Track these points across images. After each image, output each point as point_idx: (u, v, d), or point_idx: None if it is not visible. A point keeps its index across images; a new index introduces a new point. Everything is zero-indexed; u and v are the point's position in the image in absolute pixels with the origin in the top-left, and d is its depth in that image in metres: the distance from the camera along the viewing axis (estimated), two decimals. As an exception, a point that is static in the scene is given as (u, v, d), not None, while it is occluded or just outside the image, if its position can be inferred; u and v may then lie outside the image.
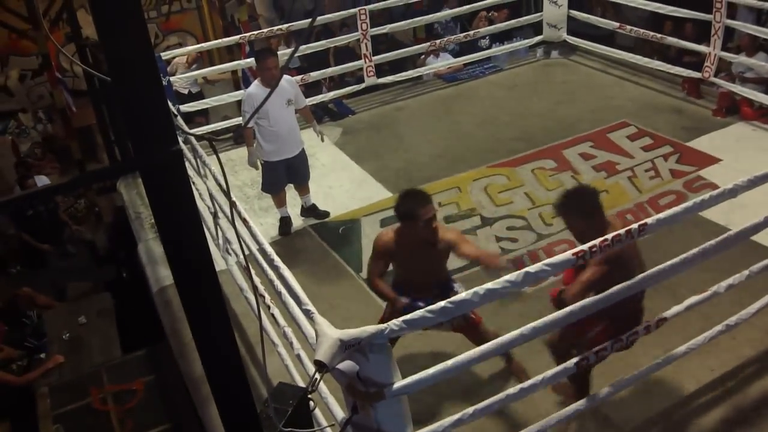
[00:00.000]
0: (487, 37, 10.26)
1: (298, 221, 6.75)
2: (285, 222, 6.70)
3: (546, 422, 3.78)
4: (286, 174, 6.49)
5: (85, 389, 5.92)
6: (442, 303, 3.12)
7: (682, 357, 4.19)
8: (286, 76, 6.38)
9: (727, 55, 8.03)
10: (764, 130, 7.60)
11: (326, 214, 6.84)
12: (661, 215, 3.66)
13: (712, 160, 7.05)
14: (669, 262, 3.75)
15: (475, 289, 3.16)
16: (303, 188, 6.77)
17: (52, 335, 6.93)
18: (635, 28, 9.06)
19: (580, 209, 3.89)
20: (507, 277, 3.23)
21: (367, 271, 4.58)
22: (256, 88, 6.18)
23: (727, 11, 7.80)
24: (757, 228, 4.12)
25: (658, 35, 8.78)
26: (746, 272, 4.29)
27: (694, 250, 3.81)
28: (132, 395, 5.82)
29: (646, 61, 8.99)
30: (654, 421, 4.29)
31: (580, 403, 3.90)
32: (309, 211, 6.85)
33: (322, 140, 6.80)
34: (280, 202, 6.66)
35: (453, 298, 3.17)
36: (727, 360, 4.62)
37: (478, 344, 3.53)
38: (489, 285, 3.18)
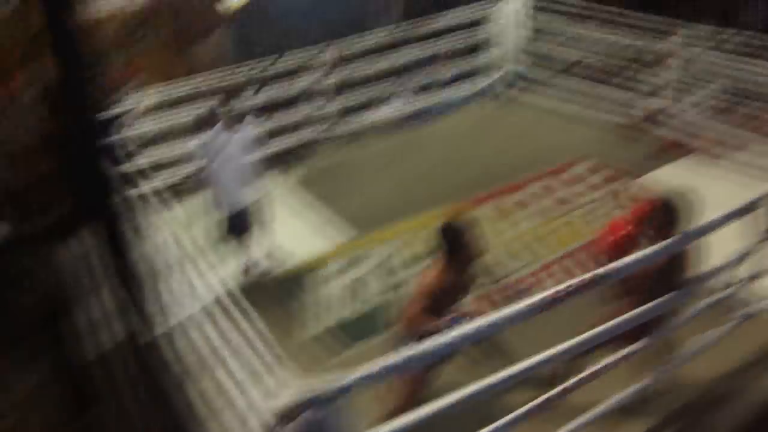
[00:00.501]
0: (446, 77, 10.33)
1: (258, 268, 6.66)
2: (245, 269, 6.62)
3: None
4: (246, 220, 6.43)
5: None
6: (406, 353, 3.08)
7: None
8: (246, 121, 6.35)
9: (684, 87, 8.18)
10: (719, 161, 7.72)
11: (287, 260, 6.77)
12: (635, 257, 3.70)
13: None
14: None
15: (442, 337, 3.13)
16: (263, 234, 6.69)
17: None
18: (593, 61, 9.17)
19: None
20: (479, 320, 3.22)
21: (407, 311, 4.37)
22: (214, 133, 6.13)
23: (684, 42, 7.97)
24: (723, 268, 4.19)
25: (617, 67, 8.91)
26: (709, 301, 4.31)
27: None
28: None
29: (605, 93, 9.07)
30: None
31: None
32: (269, 256, 6.77)
33: (283, 184, 6.74)
34: (241, 249, 6.58)
35: (418, 348, 3.13)
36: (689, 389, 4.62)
37: None
38: (454, 333, 3.15)
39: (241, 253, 6.58)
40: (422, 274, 4.46)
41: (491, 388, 3.40)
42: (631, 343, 4.10)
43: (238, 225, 6.41)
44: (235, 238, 6.49)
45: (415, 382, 4.37)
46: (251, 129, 6.39)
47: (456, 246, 4.26)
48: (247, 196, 6.31)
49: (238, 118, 6.20)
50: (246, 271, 6.60)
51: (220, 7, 11.54)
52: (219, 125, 6.17)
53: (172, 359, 2.29)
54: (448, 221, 4.33)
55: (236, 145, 6.12)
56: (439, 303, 4.28)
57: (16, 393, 6.77)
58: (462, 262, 4.31)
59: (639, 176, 7.49)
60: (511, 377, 3.45)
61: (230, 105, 6.09)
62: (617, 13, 9.12)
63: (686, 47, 8.05)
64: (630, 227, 4.31)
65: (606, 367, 3.98)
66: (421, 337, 3.98)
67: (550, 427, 4.02)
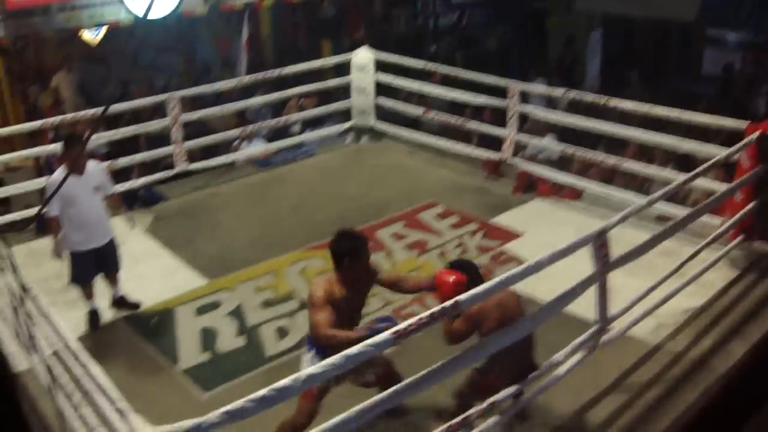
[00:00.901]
0: (298, 124, 10.46)
1: (108, 314, 6.40)
2: (93, 315, 6.32)
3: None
4: (95, 264, 6.20)
5: None
6: (263, 391, 3.06)
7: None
8: (93, 162, 6.16)
9: (523, 137, 8.67)
10: (559, 204, 8.21)
11: (137, 305, 6.54)
12: (474, 291, 3.82)
13: (514, 235, 7.48)
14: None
15: (295, 375, 3.13)
16: (113, 278, 6.46)
17: None
18: (438, 114, 9.61)
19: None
20: (327, 360, 3.24)
21: (313, 326, 4.37)
22: (60, 174, 5.87)
23: (521, 98, 8.46)
24: (564, 301, 4.40)
25: (460, 120, 9.39)
26: (568, 349, 4.54)
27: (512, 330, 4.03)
28: None
29: (450, 144, 9.50)
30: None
31: None
32: (119, 302, 6.51)
33: (132, 227, 6.59)
34: (89, 295, 6.30)
35: (275, 385, 3.12)
36: (544, 423, 4.83)
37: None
38: (310, 370, 3.17)
39: (91, 296, 6.32)
40: (312, 285, 4.50)
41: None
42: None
43: (90, 267, 6.18)
44: (86, 281, 6.24)
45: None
46: (99, 169, 6.21)
47: (354, 256, 4.41)
48: (99, 237, 6.12)
49: (85, 160, 6.00)
50: (95, 315, 6.32)
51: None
52: (63, 167, 5.96)
53: (24, 407, 2.17)
54: (338, 235, 4.48)
55: (87, 186, 5.94)
56: (343, 312, 4.39)
57: None
58: (351, 271, 4.43)
59: (485, 221, 7.81)
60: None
61: (77, 146, 5.88)
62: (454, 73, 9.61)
63: (522, 104, 8.55)
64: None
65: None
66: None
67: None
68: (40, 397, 5.05)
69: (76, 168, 5.86)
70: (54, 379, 4.64)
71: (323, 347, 4.34)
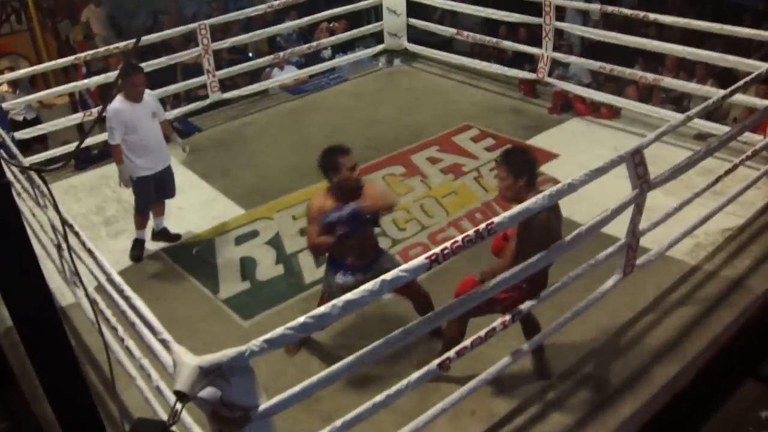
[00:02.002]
0: (329, 48, 10.35)
1: (148, 245, 6.50)
2: (139, 245, 6.45)
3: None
4: (154, 190, 6.32)
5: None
6: (301, 319, 3.09)
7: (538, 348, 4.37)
8: (147, 90, 6.19)
9: (559, 56, 8.48)
10: (596, 124, 8.07)
11: (178, 237, 6.64)
12: (508, 213, 3.79)
13: (551, 156, 7.38)
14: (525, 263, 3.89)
15: (333, 302, 3.16)
16: (162, 207, 6.57)
17: None
18: (472, 34, 9.43)
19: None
20: (365, 286, 3.25)
21: (307, 240, 4.66)
22: (120, 103, 5.96)
23: (556, 14, 8.23)
24: (604, 221, 4.35)
25: (494, 40, 9.21)
26: (591, 261, 4.51)
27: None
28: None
29: (484, 65, 9.36)
30: (517, 410, 4.43)
31: (448, 400, 3.98)
32: (160, 234, 6.62)
33: (185, 151, 6.69)
34: (143, 223, 6.43)
35: (313, 312, 3.15)
36: (580, 345, 4.84)
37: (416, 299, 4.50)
38: (348, 296, 3.18)
39: (144, 225, 6.46)
40: (310, 203, 4.69)
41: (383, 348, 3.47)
42: (518, 302, 4.25)
43: (151, 193, 6.31)
44: (148, 207, 6.39)
45: None
46: (153, 96, 6.29)
47: (334, 170, 4.53)
48: (162, 161, 6.25)
49: (143, 87, 6.04)
50: (141, 245, 6.46)
51: None
52: (122, 95, 6.01)
53: (68, 340, 2.23)
54: (325, 150, 4.59)
55: (146, 112, 6.03)
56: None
57: None
58: (342, 184, 4.55)
59: (521, 142, 7.72)
60: (398, 339, 3.53)
61: (137, 74, 5.98)
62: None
63: (559, 20, 8.32)
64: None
65: (495, 330, 4.10)
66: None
67: (443, 392, 4.14)
68: (85, 331, 5.20)
69: (136, 95, 5.95)
70: (98, 313, 4.76)
71: (335, 263, 4.71)
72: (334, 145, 4.61)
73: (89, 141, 7.85)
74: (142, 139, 6.03)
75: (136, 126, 5.97)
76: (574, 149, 7.45)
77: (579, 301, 4.59)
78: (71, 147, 8.18)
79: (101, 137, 7.24)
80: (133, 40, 8.33)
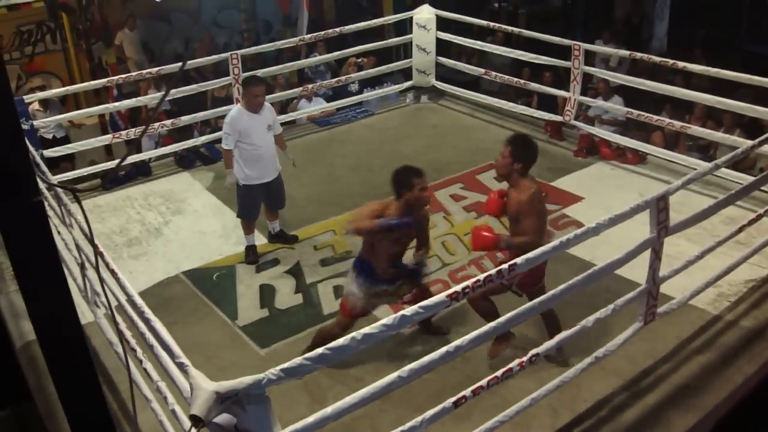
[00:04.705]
0: (357, 83, 10.44)
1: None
2: (252, 250, 6.65)
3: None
4: (264, 198, 6.57)
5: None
6: (320, 350, 3.11)
7: (556, 390, 4.32)
8: (266, 103, 6.48)
9: (586, 99, 8.51)
10: (621, 168, 8.05)
11: (295, 238, 6.89)
12: (530, 255, 3.80)
13: (575, 199, 7.37)
14: (539, 298, 3.88)
15: (352, 334, 3.16)
16: (275, 213, 6.81)
17: None
18: (499, 74, 9.49)
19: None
20: (385, 320, 3.26)
21: (352, 223, 4.93)
22: (238, 112, 6.34)
23: (585, 58, 8.27)
24: (619, 263, 4.33)
25: (522, 81, 9.27)
26: (611, 306, 4.48)
27: (562, 286, 3.98)
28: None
29: (510, 106, 9.40)
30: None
31: None
32: (278, 236, 6.86)
33: (294, 165, 6.94)
34: (250, 230, 6.64)
35: (331, 345, 3.16)
36: (599, 390, 4.79)
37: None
38: (366, 330, 3.19)
39: (251, 231, 6.71)
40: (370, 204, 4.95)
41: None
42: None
43: (258, 202, 6.59)
44: (253, 215, 6.63)
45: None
46: (271, 109, 6.57)
47: (407, 187, 4.83)
48: (271, 172, 6.51)
49: (263, 99, 6.37)
50: (253, 250, 6.68)
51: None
52: (241, 104, 6.40)
53: (87, 358, 2.25)
54: (402, 168, 4.93)
55: (262, 123, 6.32)
56: (386, 238, 4.85)
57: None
58: (410, 202, 4.85)
59: (546, 183, 7.72)
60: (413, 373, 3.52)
61: (259, 86, 6.33)
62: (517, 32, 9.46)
63: (585, 65, 8.36)
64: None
65: (512, 371, 4.07)
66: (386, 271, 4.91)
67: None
68: (102, 351, 5.22)
69: (255, 106, 6.27)
70: (117, 333, 4.79)
71: (366, 268, 4.91)
72: (410, 166, 4.95)
73: (115, 163, 7.96)
74: (254, 149, 6.31)
75: (251, 135, 6.27)
76: (598, 193, 7.44)
77: (598, 347, 4.56)
78: (98, 167, 8.29)
79: (130, 158, 7.35)
80: (163, 67, 8.46)
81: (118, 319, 4.51)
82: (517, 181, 4.87)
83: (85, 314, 5.55)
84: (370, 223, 4.77)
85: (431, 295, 4.74)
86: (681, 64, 7.58)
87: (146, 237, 7.07)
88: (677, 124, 7.73)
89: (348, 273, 5.15)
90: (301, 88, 9.59)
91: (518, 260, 3.78)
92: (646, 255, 4.56)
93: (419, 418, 3.69)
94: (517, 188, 4.85)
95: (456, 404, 3.84)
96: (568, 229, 6.60)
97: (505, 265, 3.75)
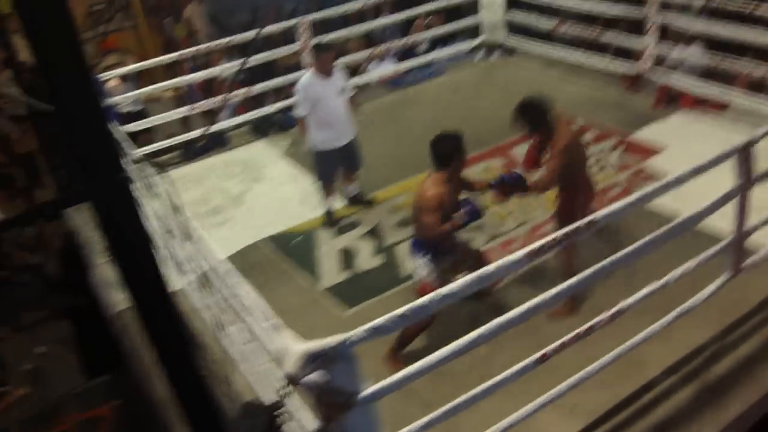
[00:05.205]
0: (427, 42, 10.35)
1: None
2: (330, 215, 6.80)
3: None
4: (340, 162, 6.67)
5: (52, 419, 5.81)
6: (402, 309, 3.14)
7: (642, 344, 4.27)
8: (336, 67, 6.60)
9: (664, 49, 8.25)
10: (703, 118, 7.80)
11: (371, 201, 7.00)
12: (610, 208, 3.74)
13: (655, 151, 7.21)
14: (621, 253, 3.82)
15: (432, 294, 3.19)
16: (351, 176, 6.93)
17: (12, 367, 6.78)
18: (573, 27, 9.26)
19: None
20: (461, 280, 3.27)
21: (427, 227, 4.76)
22: (310, 78, 6.46)
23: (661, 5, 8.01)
24: (702, 215, 4.22)
25: (595, 32, 9.02)
26: (696, 260, 4.39)
27: (644, 240, 3.91)
28: (100, 422, 5.73)
29: (584, 59, 9.19)
30: (621, 406, 4.36)
31: (548, 395, 3.95)
32: (354, 200, 7.00)
33: (371, 123, 7.23)
34: (328, 194, 6.77)
35: (412, 304, 3.19)
36: (686, 343, 4.71)
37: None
38: (446, 289, 3.21)
39: (330, 194, 6.82)
40: (421, 188, 4.80)
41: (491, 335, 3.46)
42: None
43: (334, 166, 6.69)
44: (330, 179, 6.74)
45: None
46: (342, 73, 6.67)
47: (449, 156, 4.72)
48: (344, 136, 6.60)
49: (333, 64, 6.49)
50: (331, 214, 6.82)
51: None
52: (313, 70, 6.49)
53: (180, 324, 2.33)
54: (439, 135, 4.81)
55: (333, 88, 6.42)
56: (446, 210, 4.69)
57: (33, 358, 6.84)
58: (456, 170, 4.77)
59: (624, 136, 7.56)
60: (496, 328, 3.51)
61: (329, 52, 6.47)
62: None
63: (661, 11, 8.09)
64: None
65: (594, 327, 4.03)
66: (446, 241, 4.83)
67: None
68: (192, 316, 5.38)
69: (326, 71, 6.38)
70: (205, 298, 4.93)
71: (433, 249, 4.81)
72: (451, 132, 4.83)
73: (193, 134, 8.13)
74: (326, 114, 6.40)
75: (323, 101, 6.36)
76: (679, 144, 7.24)
77: (684, 301, 4.47)
78: (177, 140, 8.47)
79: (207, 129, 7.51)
80: (233, 37, 8.56)
81: (206, 284, 4.67)
82: (551, 137, 5.03)
83: (174, 282, 5.73)
84: (451, 226, 4.73)
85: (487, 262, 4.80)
86: (763, 7, 7.25)
87: (228, 205, 7.23)
88: (762, 69, 7.43)
89: (411, 259, 5.11)
90: (370, 51, 9.58)
91: (598, 214, 3.72)
92: (731, 206, 4.44)
93: (502, 375, 3.70)
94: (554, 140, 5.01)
95: (538, 362, 3.83)
96: (648, 182, 6.46)
97: (584, 219, 3.69)
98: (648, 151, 7.22)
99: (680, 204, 4.96)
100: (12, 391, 6.39)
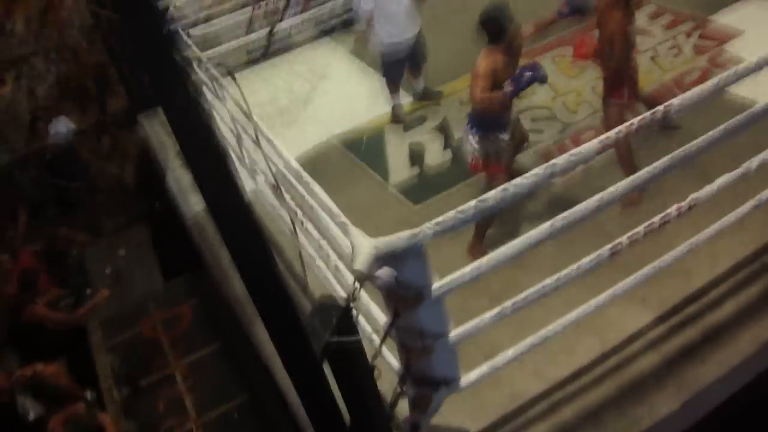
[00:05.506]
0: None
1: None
2: (398, 110, 6.79)
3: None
4: (406, 56, 6.60)
5: (134, 319, 6.10)
6: (472, 203, 3.13)
7: (716, 236, 4.19)
8: None
9: None
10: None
11: (440, 94, 6.94)
12: (687, 95, 3.61)
13: (734, 34, 6.87)
14: (696, 142, 3.71)
15: (503, 185, 3.17)
16: (418, 70, 6.85)
17: (95, 271, 7.10)
18: None
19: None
20: (534, 170, 3.23)
21: (472, 95, 4.74)
22: None
23: None
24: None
25: None
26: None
27: (719, 129, 3.78)
28: (180, 320, 5.99)
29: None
30: (691, 298, 4.33)
31: (620, 286, 3.94)
32: (422, 94, 6.95)
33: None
34: (394, 89, 6.75)
35: (482, 197, 3.17)
36: (761, 234, 4.61)
37: None
38: (518, 180, 3.18)
39: (396, 90, 6.79)
40: (476, 65, 4.74)
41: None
42: None
43: (401, 60, 6.62)
44: (397, 74, 6.69)
45: None
46: None
47: (498, 30, 4.67)
48: (410, 29, 6.49)
49: None
50: (398, 110, 6.80)
51: None
52: None
53: (255, 224, 2.38)
54: (484, 10, 4.74)
55: None
56: (500, 82, 4.66)
57: (114, 262, 7.15)
58: (506, 43, 4.70)
59: (701, 20, 7.23)
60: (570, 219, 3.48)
61: None
62: None
63: None
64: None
65: (669, 217, 3.96)
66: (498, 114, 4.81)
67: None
68: (266, 217, 5.50)
69: None
70: (278, 199, 5.02)
71: (486, 125, 4.80)
72: (496, 3, 4.73)
73: (258, 35, 8.10)
74: (391, 8, 6.30)
75: None
76: (759, 27, 6.86)
77: (760, 191, 4.33)
78: (243, 40, 8.44)
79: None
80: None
81: (278, 186, 4.74)
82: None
83: (246, 183, 5.85)
84: (497, 95, 4.66)
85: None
86: None
87: (296, 105, 7.25)
88: None
89: (472, 139, 5.01)
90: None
91: (674, 101, 3.60)
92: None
93: (574, 266, 3.70)
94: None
95: (612, 252, 3.81)
96: (727, 66, 6.19)
97: (660, 107, 3.58)
98: (725, 35, 6.89)
99: (757, 91, 4.75)
100: (96, 293, 6.72)
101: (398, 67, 6.59)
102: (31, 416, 5.56)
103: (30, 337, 6.44)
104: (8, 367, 6.13)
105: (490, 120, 4.84)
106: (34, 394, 5.70)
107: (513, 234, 3.48)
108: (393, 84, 6.65)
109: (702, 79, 6.08)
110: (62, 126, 8.93)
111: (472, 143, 4.95)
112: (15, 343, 6.60)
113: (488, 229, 4.98)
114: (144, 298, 6.41)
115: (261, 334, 4.47)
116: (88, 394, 5.94)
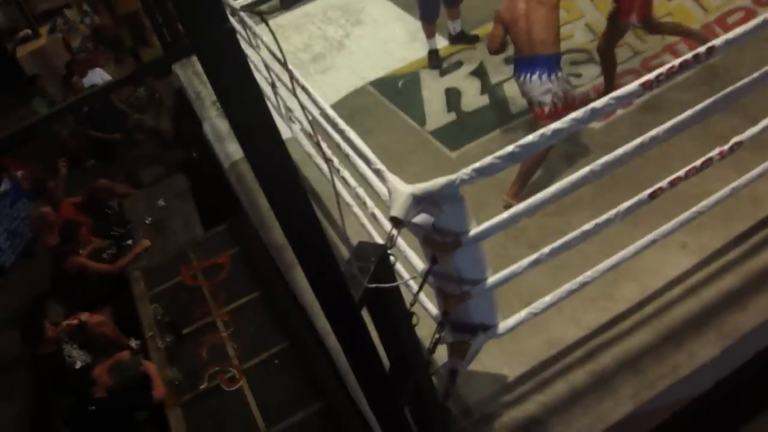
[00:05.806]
0: None
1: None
2: (434, 54, 6.70)
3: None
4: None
5: (175, 268, 6.19)
6: (510, 148, 3.09)
7: (760, 179, 4.10)
8: None
9: None
10: None
11: (476, 37, 6.81)
12: (730, 35, 3.51)
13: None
14: (740, 83, 3.62)
15: (541, 130, 3.12)
16: (455, 11, 6.73)
17: (135, 221, 7.20)
18: None
19: None
20: (573, 114, 3.17)
21: (547, 29, 4.64)
22: None
23: None
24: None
25: None
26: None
27: (765, 69, 3.67)
28: (220, 269, 6.07)
29: None
30: (733, 243, 4.27)
31: (659, 231, 3.89)
32: (458, 37, 6.83)
33: None
34: (431, 32, 6.64)
35: (520, 142, 3.13)
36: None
37: None
38: (556, 125, 3.13)
39: (432, 34, 6.67)
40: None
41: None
42: None
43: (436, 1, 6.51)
44: (433, 14, 6.60)
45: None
46: None
47: None
48: None
49: None
50: (435, 54, 6.70)
51: None
52: None
53: (293, 170, 2.38)
54: None
55: None
56: None
57: (154, 212, 7.24)
58: None
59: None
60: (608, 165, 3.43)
61: None
62: None
63: None
64: None
65: (712, 160, 3.88)
66: None
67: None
68: (302, 164, 5.51)
69: None
70: (315, 146, 5.02)
71: (558, 63, 4.65)
72: None
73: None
74: None
75: None
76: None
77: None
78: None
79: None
80: None
81: (314, 132, 4.74)
82: None
83: (282, 131, 5.83)
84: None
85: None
86: None
87: (330, 51, 7.20)
88: None
89: (547, 81, 4.73)
90: None
91: (717, 42, 3.50)
92: None
93: (614, 211, 3.65)
94: None
95: (652, 196, 3.75)
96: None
97: (702, 48, 3.49)
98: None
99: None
100: (137, 243, 6.82)
101: (434, 7, 6.47)
102: (78, 365, 5.71)
103: (74, 288, 6.59)
104: (54, 317, 6.29)
105: (558, 57, 4.71)
106: (80, 343, 5.85)
107: (550, 182, 3.43)
108: (429, 25, 6.53)
109: (746, 19, 5.90)
110: (98, 78, 8.99)
111: (547, 86, 4.68)
112: (60, 293, 6.76)
113: (531, 178, 4.89)
114: (184, 247, 6.49)
115: (300, 281, 4.52)
116: (133, 342, 6.08)
